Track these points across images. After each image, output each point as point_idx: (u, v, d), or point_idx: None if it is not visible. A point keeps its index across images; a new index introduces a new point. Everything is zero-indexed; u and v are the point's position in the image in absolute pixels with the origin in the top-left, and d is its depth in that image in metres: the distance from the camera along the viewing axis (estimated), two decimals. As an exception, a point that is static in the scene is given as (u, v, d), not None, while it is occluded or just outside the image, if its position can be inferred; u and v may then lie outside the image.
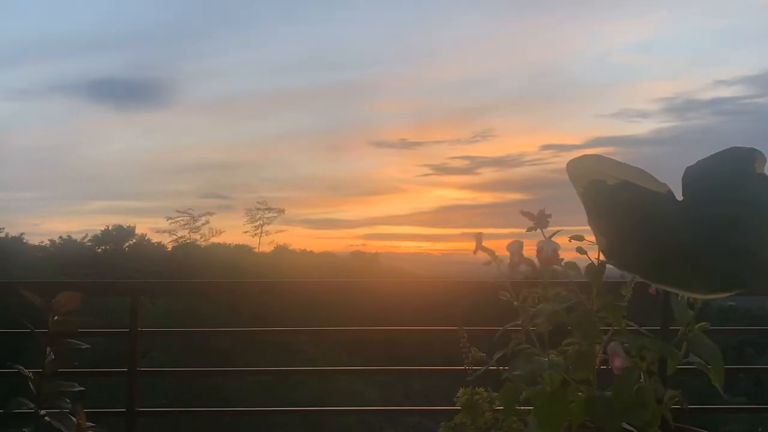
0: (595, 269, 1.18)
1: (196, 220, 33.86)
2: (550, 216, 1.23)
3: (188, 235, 33.62)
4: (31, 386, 1.87)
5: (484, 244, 1.32)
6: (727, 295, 1.06)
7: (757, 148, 1.28)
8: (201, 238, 33.69)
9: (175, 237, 33.40)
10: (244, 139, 47.34)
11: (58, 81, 42.02)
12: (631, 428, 1.14)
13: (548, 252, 1.20)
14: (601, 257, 1.18)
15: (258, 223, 35.06)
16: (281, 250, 32.81)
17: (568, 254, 1.23)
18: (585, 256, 1.20)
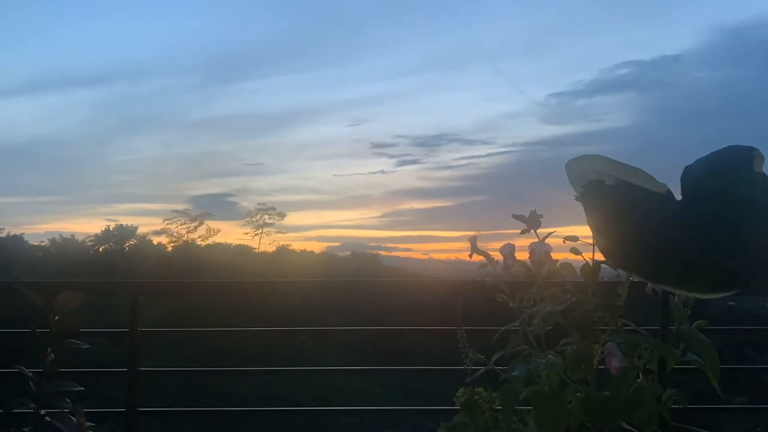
0: (590, 269, 1.18)
1: (193, 221, 33.86)
2: (541, 216, 1.23)
3: (186, 235, 33.62)
4: (32, 386, 1.87)
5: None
6: (726, 294, 1.07)
7: (755, 147, 1.28)
8: (199, 238, 33.70)
9: (172, 237, 33.40)
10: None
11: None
12: (630, 428, 1.14)
13: (540, 254, 1.21)
14: (598, 257, 1.18)
15: (258, 223, 35.10)
16: (281, 251, 32.84)
17: (561, 254, 1.24)
18: (579, 256, 1.21)
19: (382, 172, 47.21)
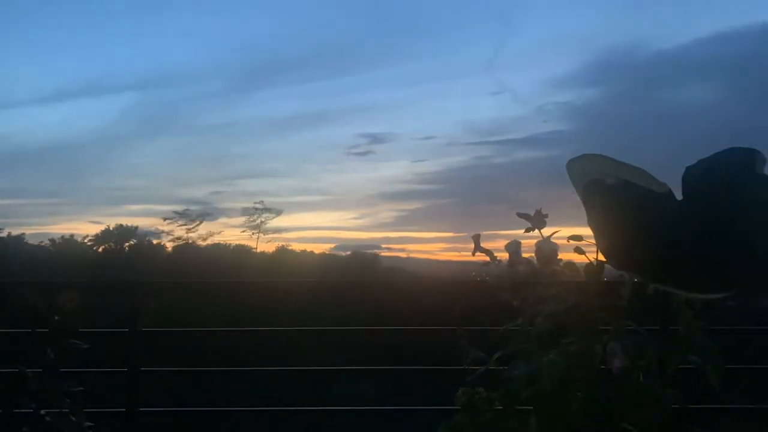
0: (594, 269, 1.18)
1: (193, 221, 33.81)
2: (546, 216, 1.23)
3: (186, 234, 33.59)
4: (32, 386, 1.87)
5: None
6: (726, 294, 1.06)
7: (756, 149, 1.28)
8: (199, 238, 33.67)
9: (172, 237, 33.38)
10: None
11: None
12: (631, 428, 1.14)
13: (547, 252, 1.20)
14: (600, 257, 1.18)
15: (256, 222, 35.06)
16: (281, 251, 32.81)
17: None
18: (584, 256, 1.21)
19: (354, 173, 47.36)
